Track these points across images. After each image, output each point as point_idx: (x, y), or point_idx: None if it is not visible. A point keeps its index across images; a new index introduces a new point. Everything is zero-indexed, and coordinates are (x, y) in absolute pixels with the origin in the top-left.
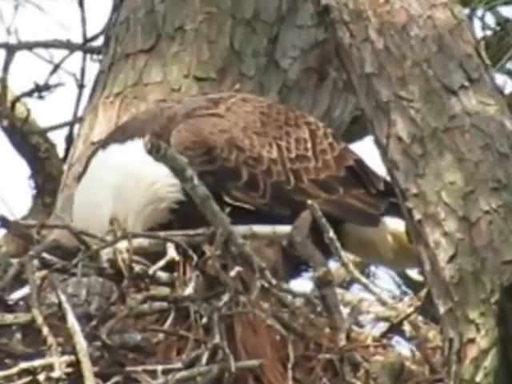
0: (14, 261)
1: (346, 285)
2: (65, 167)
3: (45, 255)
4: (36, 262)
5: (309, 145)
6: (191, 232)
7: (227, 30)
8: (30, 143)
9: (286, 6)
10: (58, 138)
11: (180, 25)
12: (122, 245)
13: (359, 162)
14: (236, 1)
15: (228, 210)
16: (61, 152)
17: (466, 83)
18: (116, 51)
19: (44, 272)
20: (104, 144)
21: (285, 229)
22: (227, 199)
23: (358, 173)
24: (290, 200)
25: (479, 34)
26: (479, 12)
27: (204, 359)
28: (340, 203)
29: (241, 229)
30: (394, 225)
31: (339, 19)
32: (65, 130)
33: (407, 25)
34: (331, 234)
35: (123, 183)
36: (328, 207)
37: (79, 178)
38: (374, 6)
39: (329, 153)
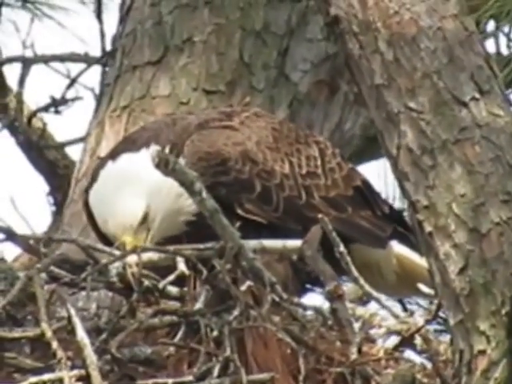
0: (21, 274)
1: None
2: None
3: (53, 269)
4: (44, 275)
5: (318, 162)
6: (201, 246)
7: (236, 41)
8: (47, 159)
9: (295, 18)
10: (77, 155)
11: (188, 36)
12: (132, 259)
13: (366, 184)
14: (245, 12)
15: (238, 223)
16: None
17: (477, 95)
18: (123, 63)
19: (53, 286)
20: (113, 155)
21: (295, 243)
22: (239, 211)
23: (365, 194)
24: (302, 215)
25: (505, 51)
26: (506, 28)
27: (215, 372)
28: (349, 222)
29: (251, 243)
30: (399, 249)
31: (349, 30)
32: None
33: (417, 36)
34: (342, 248)
35: (158, 184)
36: (337, 225)
37: (86, 190)
38: (383, 17)
39: (337, 172)
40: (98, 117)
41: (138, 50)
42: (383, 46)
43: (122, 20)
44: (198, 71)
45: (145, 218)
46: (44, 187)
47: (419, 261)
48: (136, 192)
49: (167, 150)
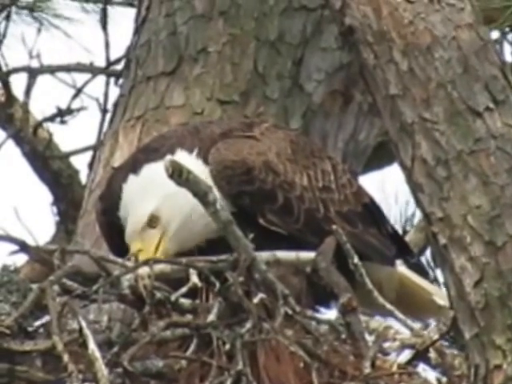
0: (34, 286)
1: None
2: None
3: (65, 281)
4: (56, 287)
5: (332, 177)
6: (214, 258)
7: (251, 52)
8: (51, 169)
9: (310, 28)
10: (81, 164)
11: (203, 47)
12: (144, 271)
13: (373, 202)
14: (260, 22)
15: (252, 235)
16: (84, 178)
17: (492, 105)
18: (137, 74)
19: (64, 298)
20: (133, 166)
21: (309, 255)
22: (262, 222)
23: (373, 212)
24: (320, 228)
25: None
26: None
27: None
28: (361, 238)
29: (264, 255)
30: (402, 268)
31: (363, 40)
32: (87, 156)
33: (432, 46)
34: (356, 259)
35: (176, 190)
36: (351, 240)
37: (100, 198)
38: (398, 27)
39: (348, 188)
40: (112, 127)
41: (152, 61)
42: (398, 56)
43: (137, 30)
44: (213, 81)
45: (152, 221)
46: (48, 197)
47: (420, 282)
48: (148, 196)
49: (195, 154)
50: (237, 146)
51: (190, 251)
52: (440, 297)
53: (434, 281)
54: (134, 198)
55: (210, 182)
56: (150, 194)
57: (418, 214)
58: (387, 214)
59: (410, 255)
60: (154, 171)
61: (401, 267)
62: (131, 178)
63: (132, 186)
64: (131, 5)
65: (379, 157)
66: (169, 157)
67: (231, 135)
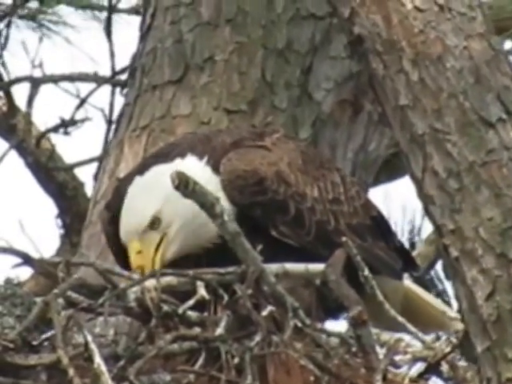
0: (38, 299)
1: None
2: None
3: (70, 294)
4: (61, 300)
5: (341, 189)
6: (221, 270)
7: (258, 60)
8: (56, 181)
9: (319, 36)
10: (86, 177)
11: (209, 55)
12: (150, 283)
13: (380, 214)
14: (268, 30)
15: (260, 247)
16: (89, 191)
17: (504, 116)
18: (142, 83)
19: (69, 311)
20: (140, 170)
21: (318, 267)
22: (274, 233)
23: (381, 225)
24: (330, 241)
25: None
26: None
27: None
28: (370, 251)
29: (273, 267)
30: (408, 282)
31: (372, 49)
32: (92, 167)
33: (443, 56)
34: (366, 272)
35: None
36: (360, 253)
37: (106, 207)
38: (408, 36)
39: (357, 200)
40: (117, 137)
41: (158, 69)
42: (408, 66)
43: (142, 38)
44: (219, 90)
45: (154, 223)
46: (53, 209)
47: (426, 296)
48: (151, 197)
49: (205, 161)
50: (249, 156)
51: (192, 259)
52: (445, 312)
53: (444, 294)
54: (136, 197)
55: (219, 191)
56: (154, 194)
57: (427, 227)
58: (394, 227)
59: (415, 269)
60: (161, 172)
61: (406, 281)
62: (137, 178)
63: (137, 186)
64: (136, 12)
65: (390, 169)
66: (176, 166)
67: (242, 145)
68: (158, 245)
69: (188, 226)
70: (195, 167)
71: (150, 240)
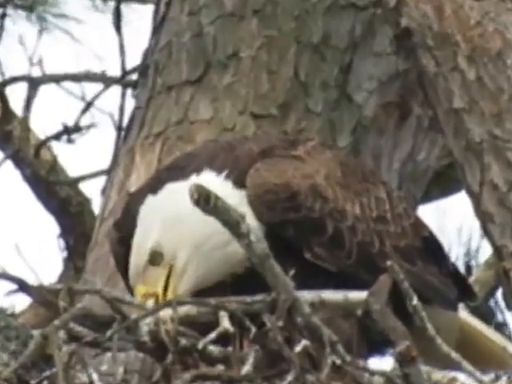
0: (36, 332)
1: None
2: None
3: (73, 326)
4: (62, 334)
5: (387, 206)
6: (248, 299)
7: (291, 57)
8: (58, 196)
9: (360, 29)
10: (93, 192)
11: (234, 51)
12: (166, 313)
13: (432, 236)
14: (301, 22)
15: (293, 272)
16: (96, 208)
17: None
18: (156, 83)
19: (72, 346)
20: (153, 186)
21: (359, 295)
22: (308, 256)
23: (433, 247)
24: (374, 265)
25: None
26: None
27: None
28: (420, 277)
29: (307, 295)
30: (465, 314)
31: (422, 44)
32: (100, 181)
33: (503, 51)
34: (415, 301)
35: (179, 209)
36: (409, 279)
37: (116, 225)
38: (463, 29)
39: (405, 219)
40: (127, 145)
41: (174, 67)
42: (463, 63)
43: (155, 31)
44: (245, 92)
45: (155, 258)
46: (54, 229)
47: (485, 330)
48: (151, 226)
49: (224, 175)
50: (279, 167)
51: (215, 286)
52: (506, 347)
53: (504, 326)
54: (143, 225)
55: (244, 207)
56: (156, 222)
57: (485, 249)
58: (447, 250)
59: (472, 298)
60: (174, 192)
61: (463, 312)
62: (149, 198)
63: (147, 209)
64: (149, 1)
65: (442, 182)
66: (194, 180)
67: (272, 154)
68: (167, 282)
69: (199, 252)
70: (213, 184)
71: (154, 279)
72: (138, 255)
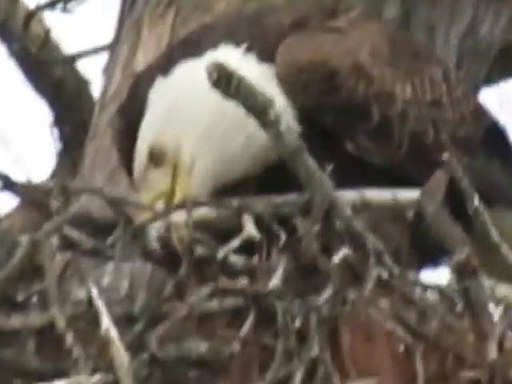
0: (24, 238)
1: None
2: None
3: (68, 231)
4: (55, 240)
5: (444, 88)
6: (278, 199)
7: None
8: (51, 77)
9: None
10: (93, 72)
11: None
12: (179, 217)
13: (497, 125)
14: None
15: (330, 167)
16: (96, 90)
17: None
18: None
19: (67, 255)
20: (164, 65)
21: (411, 195)
22: (350, 148)
23: (497, 138)
24: (428, 159)
25: None
26: None
27: (297, 379)
28: (482, 174)
29: (349, 195)
30: None
31: None
32: (101, 59)
33: None
34: (477, 201)
35: (190, 94)
36: (469, 176)
37: (120, 111)
38: None
39: (465, 104)
40: (133, 16)
41: None
42: None
43: None
44: None
45: (156, 156)
46: (46, 116)
47: None
48: (158, 116)
49: (245, 49)
50: (315, 42)
51: (232, 189)
52: None
53: None
54: (151, 113)
55: (271, 89)
56: (161, 110)
57: None
58: None
59: None
60: (188, 72)
61: None
62: (159, 81)
63: (158, 94)
64: None
65: (508, 61)
66: (210, 56)
67: (307, 26)
68: (174, 184)
69: (208, 142)
70: (232, 60)
71: (158, 182)
72: (140, 153)
